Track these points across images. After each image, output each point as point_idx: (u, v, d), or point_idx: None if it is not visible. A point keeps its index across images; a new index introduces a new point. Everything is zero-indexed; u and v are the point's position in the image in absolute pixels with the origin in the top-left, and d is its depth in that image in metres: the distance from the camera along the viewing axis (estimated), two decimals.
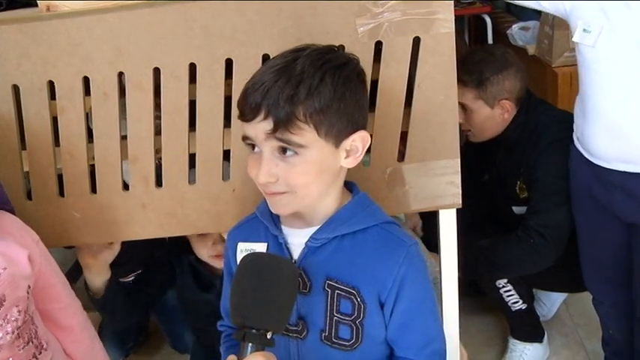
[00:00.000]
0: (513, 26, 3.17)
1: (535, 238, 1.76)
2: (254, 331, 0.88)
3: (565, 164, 1.73)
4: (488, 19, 3.46)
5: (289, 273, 0.92)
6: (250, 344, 0.88)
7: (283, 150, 0.92)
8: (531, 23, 3.11)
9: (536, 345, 2.03)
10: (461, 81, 1.51)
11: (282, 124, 0.90)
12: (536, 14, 3.10)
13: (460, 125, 1.48)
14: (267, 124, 0.90)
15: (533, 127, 1.84)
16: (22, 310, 1.04)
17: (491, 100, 1.82)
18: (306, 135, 0.91)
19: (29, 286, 1.06)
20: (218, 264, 1.58)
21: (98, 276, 1.46)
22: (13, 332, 1.02)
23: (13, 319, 1.02)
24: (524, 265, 1.81)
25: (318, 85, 0.91)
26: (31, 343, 1.07)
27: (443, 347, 1.06)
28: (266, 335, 0.88)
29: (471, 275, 1.86)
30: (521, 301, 1.94)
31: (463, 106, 1.83)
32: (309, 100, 0.90)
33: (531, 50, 3.00)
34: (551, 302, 2.21)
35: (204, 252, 1.57)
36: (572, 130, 1.66)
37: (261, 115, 0.91)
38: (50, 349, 1.14)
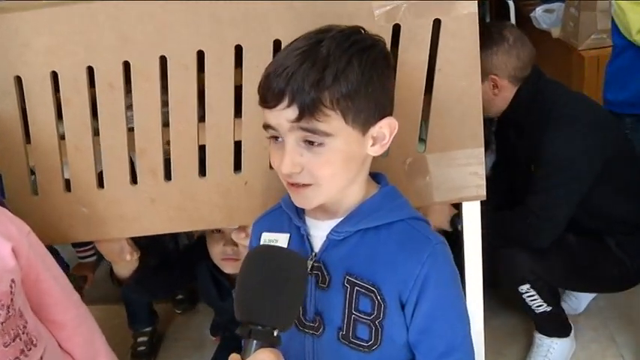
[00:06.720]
0: (537, 9, 3.09)
1: (531, 218, 1.77)
2: (260, 327, 0.83)
3: (572, 143, 1.70)
4: (510, 2, 3.36)
5: (299, 269, 0.88)
6: (255, 341, 0.83)
7: (309, 140, 0.88)
8: (556, 5, 3.01)
9: (563, 339, 1.97)
10: None
11: (308, 111, 0.86)
12: None
13: None
14: (292, 112, 0.86)
15: (543, 106, 1.81)
16: (4, 305, 1.00)
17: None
18: (332, 122, 0.87)
19: (13, 280, 1.03)
20: (228, 268, 1.63)
21: (125, 269, 1.50)
22: None
23: None
24: (524, 241, 1.82)
25: (345, 68, 0.86)
26: (18, 339, 1.04)
27: (468, 359, 0.99)
28: (272, 332, 0.84)
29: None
30: (545, 304, 1.90)
31: None
32: (336, 85, 0.86)
33: (556, 33, 2.92)
34: (582, 295, 2.14)
35: (216, 251, 1.61)
36: (584, 111, 1.67)
37: (285, 102, 0.86)
38: (42, 344, 1.10)
